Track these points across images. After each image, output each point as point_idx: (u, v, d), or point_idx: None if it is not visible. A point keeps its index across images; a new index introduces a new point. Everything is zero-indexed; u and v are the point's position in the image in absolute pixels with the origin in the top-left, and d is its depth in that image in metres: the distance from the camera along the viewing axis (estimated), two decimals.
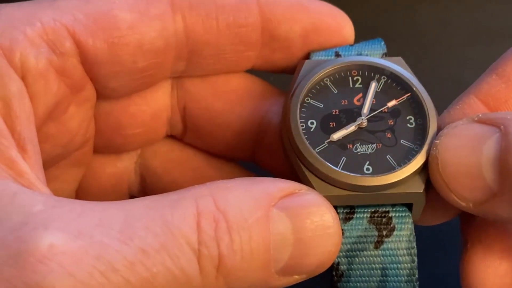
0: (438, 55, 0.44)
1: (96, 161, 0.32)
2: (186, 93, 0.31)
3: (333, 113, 0.27)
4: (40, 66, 0.25)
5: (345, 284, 0.26)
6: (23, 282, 0.20)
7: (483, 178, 0.24)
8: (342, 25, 0.30)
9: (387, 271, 0.26)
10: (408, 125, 0.27)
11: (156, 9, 0.27)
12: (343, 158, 0.26)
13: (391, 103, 0.27)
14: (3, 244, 0.20)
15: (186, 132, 0.32)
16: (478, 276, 0.27)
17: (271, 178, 0.24)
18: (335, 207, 0.25)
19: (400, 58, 0.29)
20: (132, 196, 0.34)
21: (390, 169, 0.26)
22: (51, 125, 0.27)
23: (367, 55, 0.29)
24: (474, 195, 0.24)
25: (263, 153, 0.31)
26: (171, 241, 0.21)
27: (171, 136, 0.33)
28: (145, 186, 0.33)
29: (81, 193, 0.32)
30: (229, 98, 0.31)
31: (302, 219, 0.23)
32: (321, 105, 0.27)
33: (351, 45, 0.30)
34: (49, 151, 0.28)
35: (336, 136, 0.26)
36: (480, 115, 0.25)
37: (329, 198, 0.25)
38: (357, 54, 0.29)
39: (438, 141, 0.25)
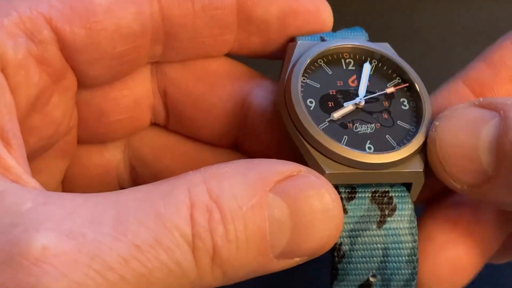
0: (438, 55, 0.44)
1: (82, 152, 0.32)
2: (166, 78, 0.30)
3: (331, 93, 0.27)
4: (19, 56, 0.25)
5: (345, 265, 0.26)
6: (18, 286, 0.19)
7: (479, 161, 0.24)
8: (321, 9, 0.29)
9: (388, 251, 0.26)
10: (403, 107, 0.27)
11: None
12: (345, 136, 0.26)
13: (390, 90, 0.28)
14: None
15: (169, 119, 0.32)
16: (432, 256, 0.27)
17: (269, 160, 0.24)
18: (337, 187, 0.25)
19: (387, 44, 0.29)
20: (122, 187, 0.34)
21: (391, 148, 0.26)
22: (35, 117, 0.27)
23: None
24: (470, 178, 0.24)
25: (247, 138, 0.31)
26: (165, 235, 0.21)
27: (155, 125, 0.32)
28: (136, 176, 0.33)
29: (69, 185, 0.32)
30: (209, 81, 0.30)
31: (300, 203, 0.22)
32: (318, 85, 0.27)
33: (334, 32, 0.30)
34: (33, 143, 0.27)
35: (337, 115, 0.26)
36: (481, 99, 0.25)
37: (332, 176, 0.25)
38: None
39: (437, 123, 0.25)
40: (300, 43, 0.29)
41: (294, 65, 0.27)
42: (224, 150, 0.32)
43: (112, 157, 0.32)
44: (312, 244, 0.23)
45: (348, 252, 0.26)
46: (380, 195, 0.26)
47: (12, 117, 0.24)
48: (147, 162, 0.32)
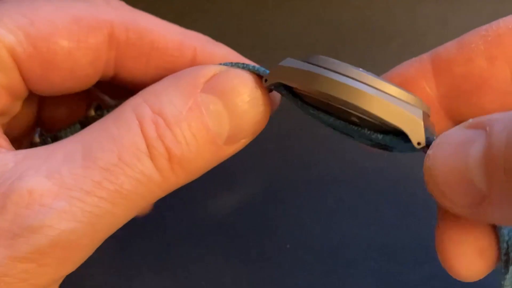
0: None
1: None
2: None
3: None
4: None
5: None
6: (20, 228, 0.24)
7: (472, 182, 0.24)
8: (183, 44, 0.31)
9: None
10: None
11: (93, 39, 0.29)
12: None
13: None
14: None
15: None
16: (453, 255, 0.27)
17: (192, 67, 0.28)
18: None
19: None
20: None
21: None
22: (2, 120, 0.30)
23: None
24: (467, 200, 0.24)
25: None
26: (125, 153, 0.25)
27: None
28: None
29: None
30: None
31: (228, 92, 0.26)
32: None
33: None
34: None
35: None
36: (470, 121, 0.25)
37: None
38: None
39: (430, 152, 0.25)
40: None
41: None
42: None
43: None
44: (250, 121, 0.27)
45: None
46: None
47: None
48: None
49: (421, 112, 0.25)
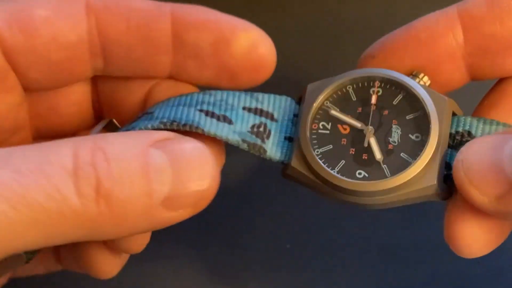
0: None
1: None
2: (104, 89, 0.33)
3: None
4: None
5: None
6: None
7: (504, 172, 0.25)
8: (258, 42, 0.30)
9: None
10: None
11: (71, 9, 0.30)
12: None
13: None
14: None
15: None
16: (460, 226, 0.28)
17: (145, 131, 0.27)
18: None
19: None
20: None
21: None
22: None
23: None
24: (496, 189, 0.25)
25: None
26: (46, 164, 0.23)
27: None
28: None
29: None
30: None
31: (177, 153, 0.25)
32: None
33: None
34: None
35: None
36: (506, 129, 0.27)
37: None
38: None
39: (463, 148, 0.27)
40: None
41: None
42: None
43: None
44: (192, 190, 0.25)
45: None
46: None
47: None
48: None
49: None
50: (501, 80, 0.30)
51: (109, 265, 0.32)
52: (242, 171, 0.40)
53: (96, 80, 0.33)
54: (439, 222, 0.30)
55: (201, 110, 0.28)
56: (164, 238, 0.39)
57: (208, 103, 0.29)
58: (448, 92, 0.30)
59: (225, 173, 0.41)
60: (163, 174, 0.25)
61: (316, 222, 0.39)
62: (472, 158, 0.26)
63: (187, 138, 0.26)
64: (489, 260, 0.34)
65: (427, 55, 0.29)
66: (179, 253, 0.39)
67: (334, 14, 0.41)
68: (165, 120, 0.28)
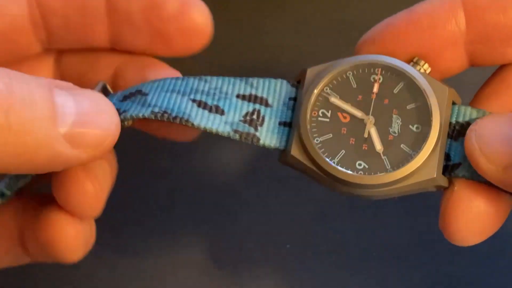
0: None
1: None
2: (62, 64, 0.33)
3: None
4: None
5: None
6: None
7: None
8: (190, 6, 0.30)
9: None
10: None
11: None
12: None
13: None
14: None
15: None
16: (456, 213, 0.28)
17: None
18: None
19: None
20: None
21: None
22: None
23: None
24: (504, 160, 0.26)
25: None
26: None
27: None
28: None
29: None
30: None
31: (81, 98, 0.25)
32: None
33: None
34: None
35: None
36: None
37: None
38: None
39: (478, 120, 0.27)
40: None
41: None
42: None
43: None
44: (93, 131, 0.25)
45: None
46: None
47: None
48: None
49: None
50: (501, 67, 0.30)
51: (71, 238, 0.30)
52: (242, 170, 0.40)
53: (60, 61, 0.33)
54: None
55: (193, 100, 0.28)
56: (163, 236, 0.39)
57: (202, 92, 0.28)
58: (445, 79, 0.30)
59: (225, 172, 0.41)
60: (66, 109, 0.25)
61: (316, 222, 0.39)
62: (486, 128, 0.27)
63: (89, 90, 0.27)
64: (489, 260, 0.34)
65: (429, 42, 0.29)
66: (179, 253, 0.39)
67: (334, 12, 0.40)
68: (156, 110, 0.27)
